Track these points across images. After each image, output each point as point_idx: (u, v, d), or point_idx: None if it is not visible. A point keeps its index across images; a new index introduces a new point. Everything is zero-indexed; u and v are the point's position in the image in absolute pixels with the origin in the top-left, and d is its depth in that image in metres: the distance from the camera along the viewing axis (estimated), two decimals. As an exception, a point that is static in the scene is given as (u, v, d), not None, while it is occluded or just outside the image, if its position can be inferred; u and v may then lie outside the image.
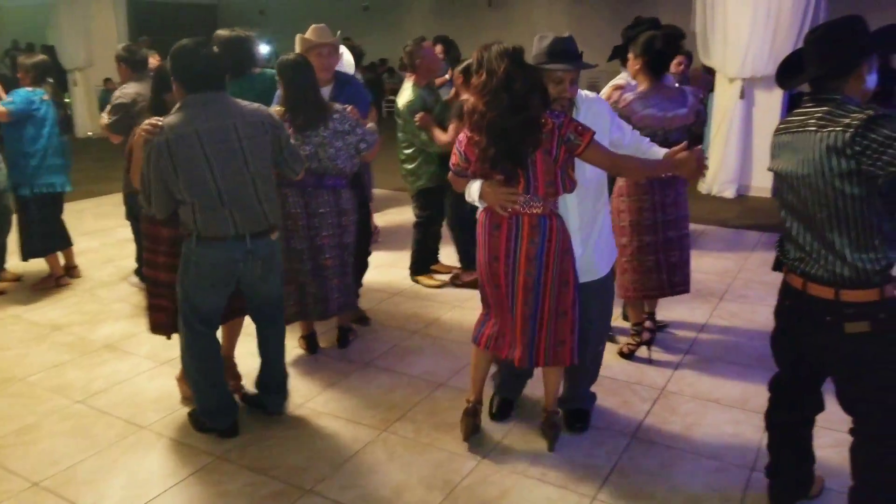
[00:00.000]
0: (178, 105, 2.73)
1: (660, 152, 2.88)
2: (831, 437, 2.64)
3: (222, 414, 3.01)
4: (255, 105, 2.87)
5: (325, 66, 3.75)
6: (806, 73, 2.15)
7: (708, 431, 3.03)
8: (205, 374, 2.94)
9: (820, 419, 2.42)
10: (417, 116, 4.35)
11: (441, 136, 4.30)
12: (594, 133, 2.56)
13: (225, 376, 3.07)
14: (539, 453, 2.87)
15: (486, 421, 3.09)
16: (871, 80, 2.16)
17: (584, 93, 2.83)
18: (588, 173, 2.74)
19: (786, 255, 2.29)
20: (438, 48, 5.41)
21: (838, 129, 1.99)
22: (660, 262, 3.56)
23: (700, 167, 2.70)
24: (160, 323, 3.12)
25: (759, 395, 3.07)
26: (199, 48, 2.72)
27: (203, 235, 2.72)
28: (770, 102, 7.18)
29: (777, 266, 2.38)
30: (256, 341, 3.13)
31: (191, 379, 3.00)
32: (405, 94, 4.52)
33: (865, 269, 2.05)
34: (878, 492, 2.22)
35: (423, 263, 4.99)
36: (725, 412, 3.17)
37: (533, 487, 2.67)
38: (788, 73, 2.28)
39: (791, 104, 6.95)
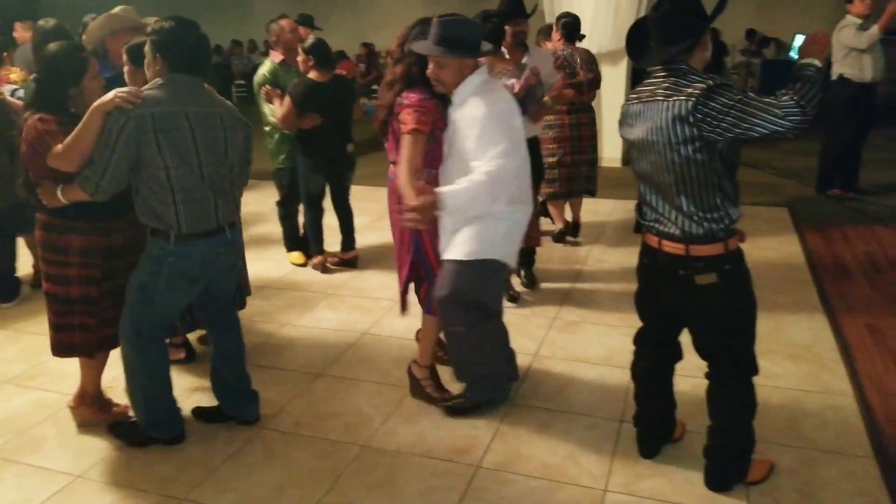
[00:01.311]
0: (158, 81, 2.49)
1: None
2: (690, 382, 2.84)
3: (172, 423, 2.82)
4: (227, 101, 2.74)
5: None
6: (658, 50, 2.26)
7: (579, 390, 3.17)
8: (158, 383, 2.74)
9: (679, 367, 2.59)
10: (262, 90, 4.43)
11: (277, 111, 4.33)
12: (413, 130, 2.68)
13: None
14: (423, 431, 2.88)
15: (366, 405, 3.06)
16: (709, 51, 2.33)
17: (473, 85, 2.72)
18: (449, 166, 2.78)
19: (643, 217, 2.43)
20: (302, 29, 5.31)
21: (682, 97, 2.13)
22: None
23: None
24: (74, 344, 2.77)
25: (622, 352, 3.27)
26: (194, 27, 2.54)
27: (186, 231, 2.52)
28: (615, 76, 7.54)
29: (637, 228, 2.52)
30: (212, 353, 2.93)
31: (140, 392, 2.73)
32: (259, 70, 4.66)
33: (711, 227, 2.22)
34: (733, 424, 2.43)
35: (293, 241, 4.95)
36: (594, 370, 3.33)
37: (419, 464, 2.67)
38: (639, 47, 2.38)
39: (635, 77, 7.34)
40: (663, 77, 2.24)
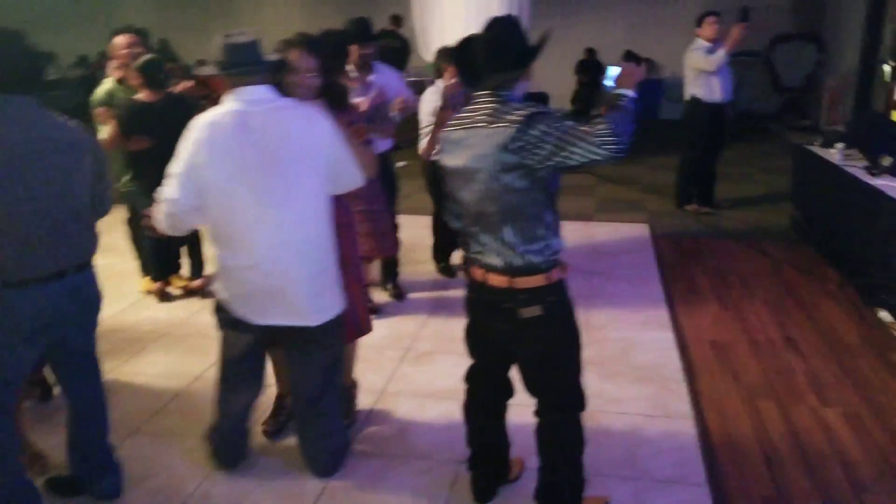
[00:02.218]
0: None
1: None
2: (528, 418, 2.72)
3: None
4: (67, 119, 2.30)
5: None
6: (490, 74, 2.15)
7: (421, 430, 3.01)
8: (2, 458, 2.26)
9: (517, 402, 2.47)
10: (98, 111, 4.10)
11: (105, 135, 4.01)
12: None
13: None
14: (245, 489, 2.62)
15: (182, 464, 2.77)
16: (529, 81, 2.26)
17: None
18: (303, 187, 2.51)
19: (467, 249, 2.31)
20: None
21: (504, 125, 2.05)
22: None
23: None
24: None
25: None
26: (14, 38, 2.16)
27: (13, 279, 2.12)
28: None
29: (465, 261, 2.41)
30: (68, 412, 2.50)
31: None
32: (97, 89, 4.34)
33: (533, 258, 2.14)
34: (562, 462, 2.34)
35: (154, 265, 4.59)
36: (439, 406, 3.18)
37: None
38: (471, 72, 2.26)
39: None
40: (485, 103, 2.15)
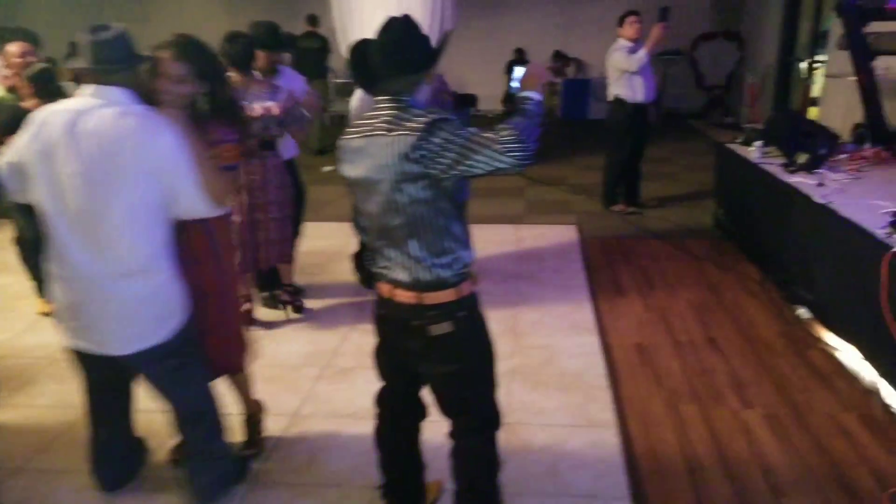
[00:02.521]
0: None
1: None
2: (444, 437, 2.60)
3: None
4: None
5: None
6: (390, 78, 2.01)
7: (336, 455, 2.84)
8: None
9: (433, 419, 2.33)
10: None
11: None
12: None
13: None
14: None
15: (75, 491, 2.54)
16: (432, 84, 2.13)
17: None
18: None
19: (374, 264, 2.17)
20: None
21: (404, 132, 1.92)
22: (244, 242, 3.80)
23: None
24: None
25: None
26: None
27: None
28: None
29: (368, 281, 2.27)
30: None
31: None
32: None
33: (441, 272, 2.02)
34: (477, 485, 2.22)
35: (42, 284, 4.21)
36: (359, 426, 3.01)
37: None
38: (367, 77, 2.11)
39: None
40: (385, 109, 2.01)
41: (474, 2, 12.32)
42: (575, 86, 11.92)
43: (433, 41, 2.16)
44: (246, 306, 3.98)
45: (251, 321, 4.04)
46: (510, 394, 3.27)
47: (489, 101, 11.79)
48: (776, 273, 4.36)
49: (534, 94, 2.01)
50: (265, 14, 12.66)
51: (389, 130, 1.95)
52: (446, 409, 2.22)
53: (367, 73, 2.07)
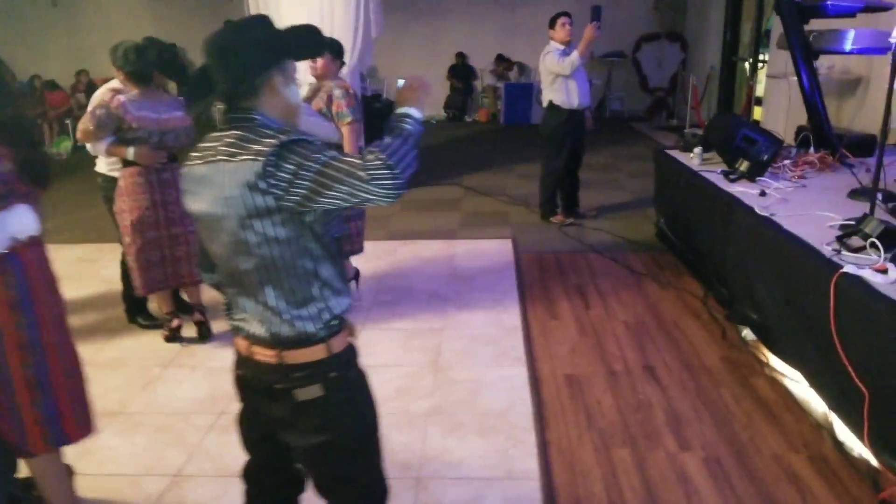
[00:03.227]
0: None
1: None
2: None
3: None
4: None
5: None
6: (223, 93, 1.62)
7: (211, 529, 2.43)
8: None
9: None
10: None
11: None
12: None
13: None
14: None
15: None
16: (294, 94, 1.73)
17: None
18: None
19: (230, 315, 1.78)
20: None
21: (249, 157, 1.53)
22: (164, 257, 3.73)
23: None
24: None
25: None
26: None
27: None
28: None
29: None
30: None
31: None
32: None
33: (306, 325, 1.65)
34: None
35: None
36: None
37: None
38: (202, 88, 1.71)
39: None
40: (230, 129, 1.61)
41: (415, 5, 11.98)
42: (517, 90, 11.65)
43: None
44: (175, 322, 3.93)
45: (180, 339, 3.93)
46: (425, 440, 2.90)
47: (432, 106, 11.46)
48: (719, 290, 4.08)
49: (414, 111, 1.64)
50: (191, 20, 12.15)
51: (233, 155, 1.56)
52: (320, 487, 1.83)
53: (203, 83, 1.67)
